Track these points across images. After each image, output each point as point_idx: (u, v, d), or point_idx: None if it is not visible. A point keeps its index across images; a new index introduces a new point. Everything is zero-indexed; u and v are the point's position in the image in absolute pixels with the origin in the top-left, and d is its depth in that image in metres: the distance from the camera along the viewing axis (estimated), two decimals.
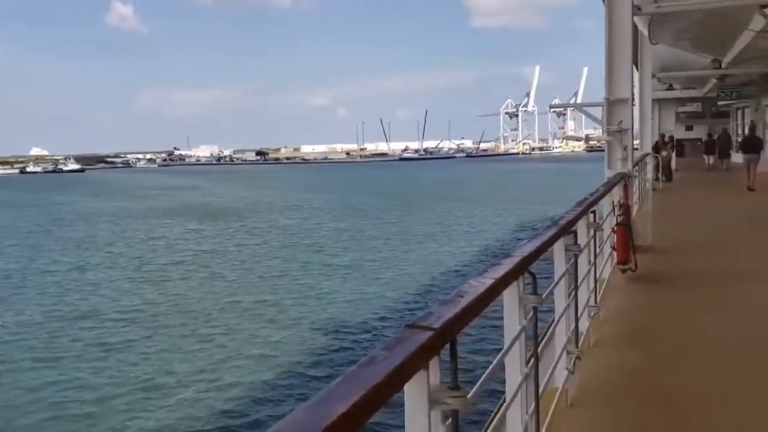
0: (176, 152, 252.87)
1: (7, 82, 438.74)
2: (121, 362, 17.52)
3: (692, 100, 42.02)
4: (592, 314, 6.30)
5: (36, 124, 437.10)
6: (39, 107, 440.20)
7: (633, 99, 11.75)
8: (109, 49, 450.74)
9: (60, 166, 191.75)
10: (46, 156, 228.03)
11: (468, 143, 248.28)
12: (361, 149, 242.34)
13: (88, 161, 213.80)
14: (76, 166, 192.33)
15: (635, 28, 16.69)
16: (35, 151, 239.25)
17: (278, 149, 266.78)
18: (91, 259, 34.15)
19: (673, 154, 29.62)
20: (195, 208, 60.93)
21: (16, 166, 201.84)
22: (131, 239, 41.46)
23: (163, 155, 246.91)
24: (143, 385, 15.85)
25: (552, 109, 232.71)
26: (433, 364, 1.99)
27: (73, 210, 62.98)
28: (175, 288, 26.47)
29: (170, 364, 17.23)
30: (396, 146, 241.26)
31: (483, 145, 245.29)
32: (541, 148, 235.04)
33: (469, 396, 2.14)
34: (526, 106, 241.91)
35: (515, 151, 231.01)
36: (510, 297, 3.14)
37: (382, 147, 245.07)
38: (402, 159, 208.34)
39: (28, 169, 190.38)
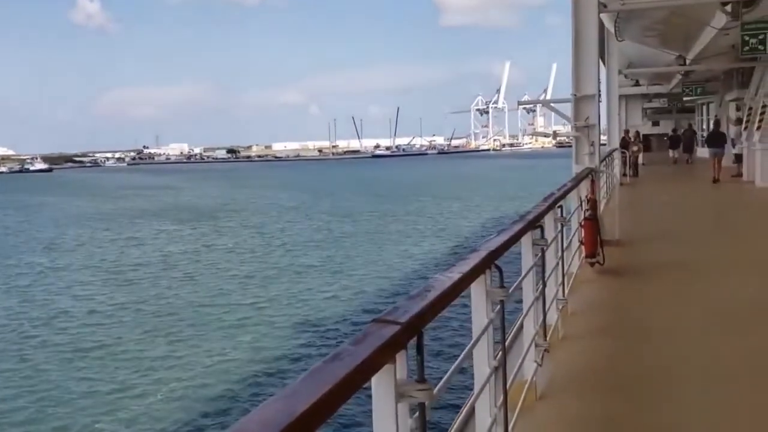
0: (145, 151, 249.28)
1: None
2: (94, 364, 17.34)
3: (658, 96, 42.71)
4: (560, 307, 6.38)
5: (0, 123, 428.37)
6: (2, 106, 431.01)
7: (600, 95, 11.93)
8: (75, 46, 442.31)
9: (27, 166, 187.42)
10: (12, 155, 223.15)
11: (440, 140, 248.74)
12: (334, 147, 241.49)
13: (55, 161, 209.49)
14: (44, 166, 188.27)
15: (602, 25, 16.93)
16: (1, 151, 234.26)
17: (249, 147, 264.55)
18: (69, 261, 33.61)
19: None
20: (171, 208, 59.94)
21: None
22: (107, 241, 40.71)
23: (132, 154, 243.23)
24: (115, 386, 15.75)
25: (521, 106, 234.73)
26: (400, 357, 2.02)
27: (51, 212, 61.30)
28: (151, 289, 26.16)
29: (143, 365, 17.11)
30: (368, 143, 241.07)
31: (454, 142, 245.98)
32: (511, 145, 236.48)
33: (436, 389, 2.17)
34: (496, 102, 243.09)
35: (486, 147, 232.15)
36: (477, 291, 3.18)
37: (355, 144, 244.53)
38: (375, 156, 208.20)
39: None
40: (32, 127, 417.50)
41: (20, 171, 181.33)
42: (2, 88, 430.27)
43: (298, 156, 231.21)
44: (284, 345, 18.19)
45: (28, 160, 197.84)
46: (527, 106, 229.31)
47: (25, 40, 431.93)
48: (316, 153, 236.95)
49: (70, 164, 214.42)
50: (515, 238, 3.94)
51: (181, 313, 22.10)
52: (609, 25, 21.54)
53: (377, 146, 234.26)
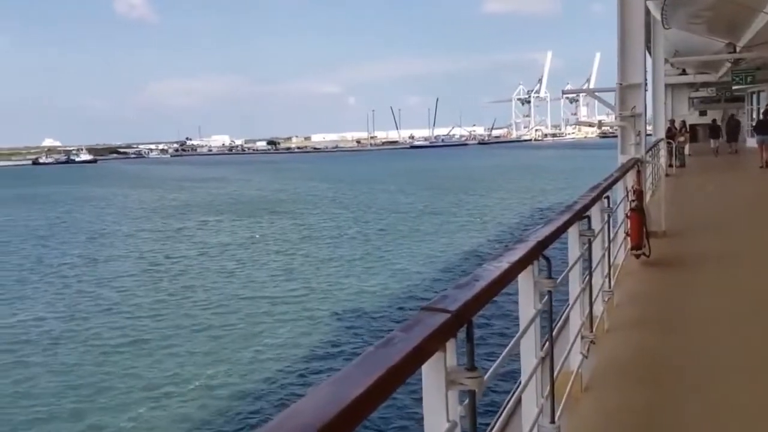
0: (188, 142, 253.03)
1: (18, 73, 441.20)
2: (141, 355, 17.64)
3: (706, 85, 41.61)
4: (606, 299, 6.31)
5: (48, 114, 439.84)
6: (50, 98, 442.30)
7: (645, 84, 11.68)
8: (118, 38, 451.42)
9: (72, 157, 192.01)
10: (59, 147, 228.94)
11: (480, 130, 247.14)
12: (372, 137, 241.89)
13: (100, 152, 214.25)
14: (89, 157, 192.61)
15: (648, 12, 16.57)
16: (48, 142, 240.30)
17: (289, 138, 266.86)
18: (124, 252, 34.29)
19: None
20: (229, 200, 59.94)
21: (28, 157, 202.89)
22: (166, 233, 40.86)
23: (175, 145, 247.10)
24: (164, 376, 16.02)
25: (564, 95, 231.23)
26: (450, 345, 2.03)
27: (120, 203, 61.85)
28: (204, 279, 26.41)
29: (193, 355, 17.38)
30: (407, 134, 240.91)
31: (495, 132, 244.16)
32: (553, 135, 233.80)
33: (485, 377, 2.17)
34: (538, 92, 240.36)
35: (527, 137, 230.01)
36: (525, 281, 3.16)
37: (393, 135, 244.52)
38: (413, 147, 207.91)
39: (40, 160, 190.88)
40: (77, 118, 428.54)
41: (66, 162, 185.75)
42: (49, 81, 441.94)
43: (336, 147, 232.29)
44: (333, 332, 18.42)
45: (74, 151, 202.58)
46: (571, 95, 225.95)
47: (71, 32, 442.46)
48: (355, 144, 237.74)
49: (114, 155, 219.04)
50: (563, 229, 3.91)
51: (231, 303, 22.32)
52: (655, 13, 21.04)
53: (411, 137, 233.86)
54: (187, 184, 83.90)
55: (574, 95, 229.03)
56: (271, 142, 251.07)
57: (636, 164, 9.83)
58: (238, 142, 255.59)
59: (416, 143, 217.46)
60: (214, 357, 16.95)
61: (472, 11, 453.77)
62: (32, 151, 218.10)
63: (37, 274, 28.94)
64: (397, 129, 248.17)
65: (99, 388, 15.33)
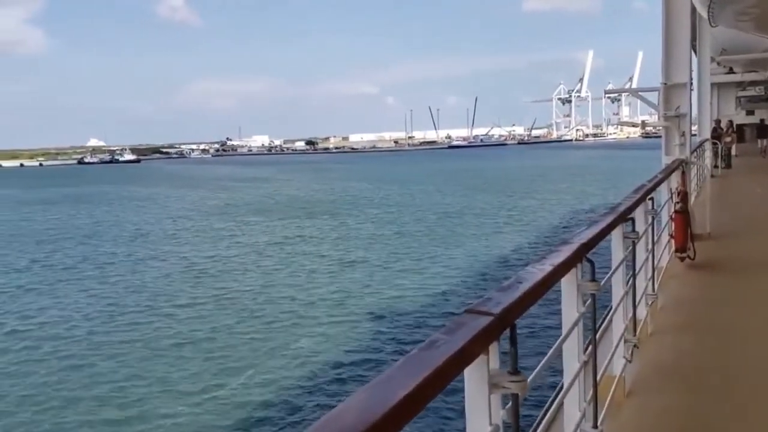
0: (228, 142, 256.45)
1: (64, 74, 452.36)
2: (186, 354, 17.92)
3: (754, 83, 40.50)
4: (650, 302, 6.20)
5: (93, 115, 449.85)
6: (95, 99, 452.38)
7: (691, 83, 11.43)
8: (161, 40, 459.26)
9: (116, 157, 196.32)
10: (103, 146, 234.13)
11: (519, 130, 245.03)
12: (410, 137, 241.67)
13: (143, 152, 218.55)
14: (132, 157, 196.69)
15: (694, 10, 16.20)
16: (92, 142, 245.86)
17: (327, 139, 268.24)
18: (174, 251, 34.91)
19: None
20: (273, 201, 60.31)
21: (74, 156, 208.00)
22: (214, 233, 41.38)
23: (216, 146, 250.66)
24: (211, 374, 16.26)
25: (606, 95, 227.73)
26: (493, 348, 2.01)
27: (175, 204, 62.27)
28: (251, 280, 26.67)
29: (240, 354, 17.58)
30: (446, 134, 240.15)
31: (535, 132, 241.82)
32: (595, 135, 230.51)
33: (528, 381, 2.15)
34: (579, 91, 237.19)
35: (568, 137, 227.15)
36: (568, 284, 3.13)
37: (431, 135, 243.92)
38: (451, 147, 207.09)
39: (85, 160, 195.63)
40: (122, 119, 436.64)
41: (110, 161, 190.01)
42: (94, 82, 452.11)
43: (374, 147, 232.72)
44: (373, 334, 18.47)
45: (118, 151, 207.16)
46: (612, 94, 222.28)
47: (116, 35, 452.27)
48: (392, 144, 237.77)
49: (157, 155, 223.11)
50: (606, 231, 3.85)
51: (271, 304, 22.49)
52: (702, 10, 20.51)
53: (448, 137, 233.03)
54: (231, 183, 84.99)
55: (616, 95, 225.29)
56: (309, 142, 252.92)
57: (680, 165, 9.63)
58: (277, 142, 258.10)
59: (454, 143, 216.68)
60: (254, 358, 17.09)
61: (513, 9, 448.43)
62: (78, 150, 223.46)
63: (81, 271, 29.69)
64: (435, 129, 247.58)
65: (137, 385, 15.57)
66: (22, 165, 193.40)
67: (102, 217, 52.41)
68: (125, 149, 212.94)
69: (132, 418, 13.87)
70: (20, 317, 21.95)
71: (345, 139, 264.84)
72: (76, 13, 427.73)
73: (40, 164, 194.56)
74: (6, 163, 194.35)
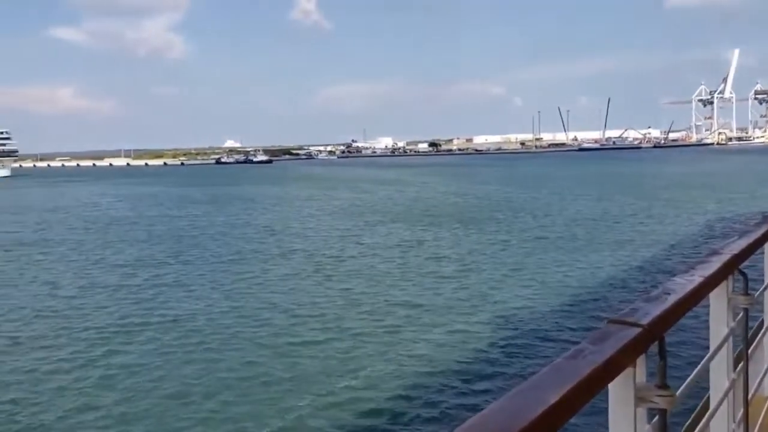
0: (354, 144, 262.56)
1: (203, 78, 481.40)
2: (305, 350, 18.49)
3: None
4: None
5: (229, 117, 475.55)
6: (231, 101, 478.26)
7: None
8: (294, 44, 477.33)
9: (250, 158, 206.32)
10: (238, 148, 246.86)
11: (655, 133, 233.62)
12: (537, 139, 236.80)
13: (275, 153, 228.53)
14: (265, 158, 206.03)
15: None
16: (229, 143, 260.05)
17: (450, 140, 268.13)
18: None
19: None
20: (403, 203, 60.48)
21: (212, 156, 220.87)
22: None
23: (342, 147, 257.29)
24: (332, 371, 16.73)
25: (756, 96, 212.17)
26: (641, 361, 1.95)
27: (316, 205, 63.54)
28: (382, 283, 26.88)
29: (362, 350, 17.97)
30: (578, 135, 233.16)
31: (672, 135, 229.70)
32: (739, 138, 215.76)
33: (676, 395, 2.06)
34: (722, 92, 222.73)
35: (709, 141, 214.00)
36: (717, 296, 2.96)
37: (560, 137, 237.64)
38: (581, 149, 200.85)
39: (222, 160, 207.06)
40: (255, 120, 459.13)
41: (245, 162, 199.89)
42: (231, 85, 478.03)
43: (499, 149, 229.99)
44: (505, 340, 18.30)
45: (252, 152, 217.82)
46: (762, 95, 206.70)
47: (251, 39, 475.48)
48: (519, 146, 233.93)
49: (287, 156, 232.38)
50: (761, 241, 3.60)
51: (402, 306, 22.59)
52: None
53: (575, 139, 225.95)
54: (358, 184, 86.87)
55: (765, 95, 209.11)
56: (432, 144, 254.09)
57: None
58: (401, 144, 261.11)
59: (585, 146, 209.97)
60: (376, 359, 17.23)
61: (654, 6, 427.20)
62: (216, 151, 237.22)
63: (216, 267, 31.48)
64: (564, 131, 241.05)
65: (253, 382, 15.98)
66: (165, 164, 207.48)
67: (238, 215, 54.93)
68: (259, 150, 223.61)
69: (258, 412, 14.28)
70: (154, 312, 22.90)
71: (469, 140, 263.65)
72: (215, 20, 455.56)
73: (182, 163, 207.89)
74: (151, 162, 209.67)
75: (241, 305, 23.30)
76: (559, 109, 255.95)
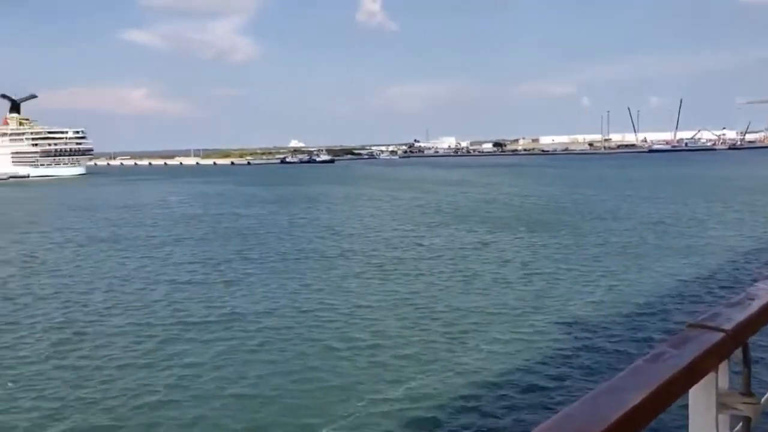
0: (416, 144, 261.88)
1: (268, 79, 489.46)
2: (365, 351, 18.69)
3: None
4: None
5: (294, 117, 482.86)
6: (296, 101, 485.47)
7: None
8: (359, 45, 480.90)
9: (314, 157, 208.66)
10: (302, 147, 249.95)
11: (731, 134, 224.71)
12: (606, 140, 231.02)
13: (337, 153, 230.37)
14: (327, 158, 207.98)
15: None
16: (293, 143, 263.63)
17: (516, 141, 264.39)
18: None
19: None
20: (467, 205, 60.12)
21: (277, 156, 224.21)
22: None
23: (404, 147, 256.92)
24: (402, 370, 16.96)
25: None
26: (723, 366, 1.90)
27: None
28: (446, 284, 27.05)
29: (428, 351, 18.13)
30: (649, 137, 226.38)
31: (749, 137, 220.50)
32: None
33: (761, 403, 2.00)
34: None
35: None
36: None
37: (629, 138, 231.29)
38: (651, 150, 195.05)
39: (287, 159, 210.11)
40: (319, 121, 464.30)
41: (308, 161, 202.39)
42: (295, 86, 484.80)
43: (566, 150, 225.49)
44: (571, 340, 18.32)
45: (315, 152, 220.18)
46: None
47: (317, 41, 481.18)
48: (586, 147, 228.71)
49: (349, 156, 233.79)
50: None
51: (468, 309, 22.59)
52: None
53: (645, 140, 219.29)
54: (427, 185, 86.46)
55: None
56: (497, 144, 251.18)
57: None
58: (464, 143, 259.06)
59: (656, 147, 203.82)
60: (445, 360, 17.31)
61: (726, 2, 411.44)
62: (281, 150, 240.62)
63: (278, 265, 32.04)
64: (634, 131, 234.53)
65: (311, 385, 16.23)
66: (232, 163, 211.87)
67: (302, 214, 55.55)
68: (322, 150, 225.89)
69: (314, 413, 14.52)
70: (217, 310, 23.49)
71: (535, 140, 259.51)
72: (280, 22, 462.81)
73: (248, 163, 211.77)
74: (219, 161, 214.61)
75: (302, 306, 23.58)
76: (628, 110, 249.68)
